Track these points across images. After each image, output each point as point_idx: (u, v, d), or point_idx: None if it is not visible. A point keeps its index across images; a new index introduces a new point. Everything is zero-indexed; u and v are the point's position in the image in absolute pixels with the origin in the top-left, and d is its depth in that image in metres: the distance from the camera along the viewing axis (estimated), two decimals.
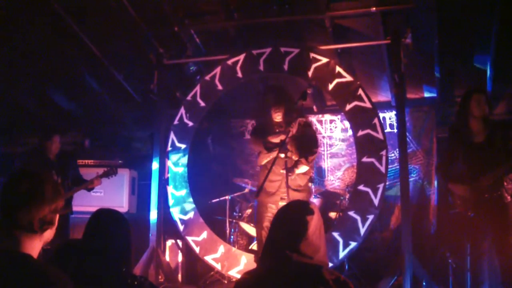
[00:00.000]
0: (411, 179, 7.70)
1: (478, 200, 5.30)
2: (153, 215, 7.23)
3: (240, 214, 7.84)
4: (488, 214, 5.28)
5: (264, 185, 5.85)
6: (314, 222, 2.61)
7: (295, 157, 6.10)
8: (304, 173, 6.18)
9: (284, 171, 5.79)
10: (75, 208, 6.51)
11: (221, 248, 6.94)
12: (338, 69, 6.71)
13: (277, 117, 6.23)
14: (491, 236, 5.35)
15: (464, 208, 5.45)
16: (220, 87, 7.24)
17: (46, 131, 6.63)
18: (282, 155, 5.73)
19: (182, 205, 7.24)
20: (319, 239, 2.61)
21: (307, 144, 6.23)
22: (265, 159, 6.20)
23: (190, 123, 7.37)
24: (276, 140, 6.06)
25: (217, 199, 7.85)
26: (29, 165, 6.35)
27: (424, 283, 5.91)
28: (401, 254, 5.98)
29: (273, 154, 5.94)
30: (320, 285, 2.38)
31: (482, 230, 5.38)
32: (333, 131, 8.90)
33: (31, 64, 7.67)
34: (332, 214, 7.92)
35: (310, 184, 8.26)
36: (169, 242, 7.75)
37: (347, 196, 7.67)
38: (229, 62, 7.23)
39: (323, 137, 8.91)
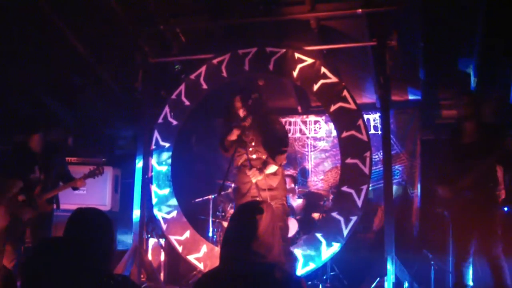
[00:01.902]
0: (394, 181, 7.74)
1: (460, 201, 5.34)
2: (136, 214, 7.20)
3: (223, 214, 7.83)
4: (472, 215, 5.31)
5: (238, 186, 5.93)
6: (265, 221, 2.64)
7: (264, 157, 5.88)
8: (275, 173, 5.91)
9: (250, 173, 5.75)
10: None
11: (204, 248, 6.91)
12: (323, 70, 6.70)
13: (239, 110, 5.98)
14: (477, 236, 5.38)
15: (442, 208, 5.51)
16: (205, 86, 7.21)
17: (29, 128, 6.57)
18: (254, 156, 5.75)
19: (165, 204, 7.20)
20: (272, 238, 2.64)
21: (275, 143, 5.91)
22: (241, 159, 6.00)
23: (175, 122, 7.34)
24: (232, 137, 5.90)
25: (201, 199, 7.83)
26: (13, 161, 6.29)
27: (406, 285, 5.93)
28: (384, 256, 5.99)
29: (245, 155, 5.85)
30: (271, 284, 2.40)
31: (467, 232, 5.43)
32: (318, 132, 8.93)
33: (16, 62, 7.60)
34: (316, 215, 7.95)
35: (293, 185, 8.29)
36: (152, 241, 7.72)
37: (331, 197, 7.69)
38: (215, 61, 7.21)
39: (307, 137, 8.93)
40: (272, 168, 5.86)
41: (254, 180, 5.77)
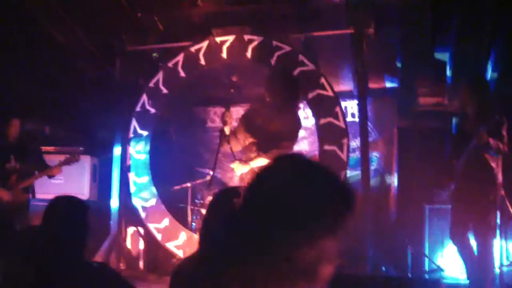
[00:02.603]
0: (371, 168, 7.80)
1: (456, 189, 5.36)
2: (114, 203, 7.19)
3: (202, 201, 7.82)
4: (466, 205, 5.26)
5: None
6: None
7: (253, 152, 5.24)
8: None
9: (234, 165, 5.31)
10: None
11: (183, 235, 6.93)
12: (301, 57, 6.74)
13: None
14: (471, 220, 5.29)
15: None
16: (183, 74, 7.20)
17: (3, 115, 6.50)
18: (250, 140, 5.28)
19: (143, 192, 7.20)
20: None
21: (275, 133, 5.23)
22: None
23: (153, 110, 7.33)
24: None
25: (179, 187, 7.82)
26: None
27: (383, 268, 6.01)
28: (362, 241, 6.06)
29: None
30: None
31: (462, 218, 5.33)
32: None
33: None
34: None
35: None
36: (131, 230, 7.70)
37: None
38: (192, 49, 7.20)
39: None
40: (260, 162, 5.10)
41: (238, 174, 5.28)
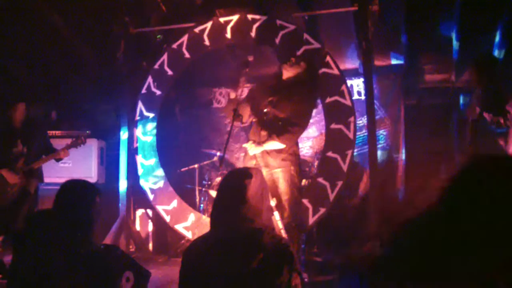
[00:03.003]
0: (379, 146, 7.78)
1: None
2: (123, 185, 7.21)
3: (209, 182, 7.84)
4: None
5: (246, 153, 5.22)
6: (254, 186, 2.69)
7: (263, 132, 5.05)
8: (278, 151, 5.01)
9: (247, 145, 5.10)
10: None
11: (192, 217, 6.96)
12: (305, 36, 6.70)
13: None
14: None
15: None
16: (187, 55, 7.19)
17: (9, 99, 6.50)
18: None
19: (151, 175, 7.22)
20: (261, 203, 2.70)
21: (288, 117, 5.05)
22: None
23: (158, 92, 7.33)
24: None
25: (186, 168, 7.84)
26: None
27: None
28: (370, 220, 6.08)
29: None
30: (258, 248, 2.44)
31: None
32: None
33: None
34: (302, 181, 7.97)
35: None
36: (139, 212, 7.74)
37: (316, 163, 7.73)
38: (196, 30, 7.18)
39: None
40: (273, 145, 4.99)
41: (251, 154, 5.06)
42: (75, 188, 3.15)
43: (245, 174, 2.77)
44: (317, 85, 5.49)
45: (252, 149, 5.04)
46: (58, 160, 6.54)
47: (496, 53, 7.17)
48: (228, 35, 7.03)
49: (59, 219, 2.99)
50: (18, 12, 7.32)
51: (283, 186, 5.01)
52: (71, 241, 2.89)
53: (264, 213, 2.72)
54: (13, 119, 6.35)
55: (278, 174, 5.04)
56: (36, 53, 8.14)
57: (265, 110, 5.10)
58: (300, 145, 8.37)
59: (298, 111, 5.08)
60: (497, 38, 7.18)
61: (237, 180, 2.75)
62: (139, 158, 7.27)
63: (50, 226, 2.95)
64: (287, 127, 4.97)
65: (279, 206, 4.88)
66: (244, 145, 5.23)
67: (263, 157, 5.04)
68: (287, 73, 5.16)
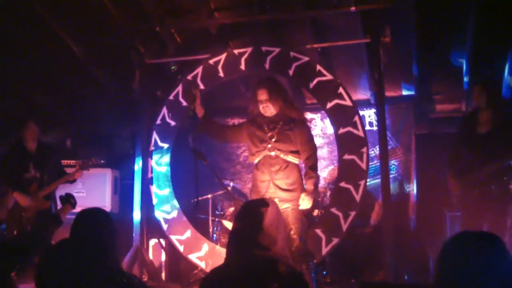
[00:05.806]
0: (391, 176, 7.80)
1: (473, 193, 5.27)
2: (136, 215, 7.26)
3: (222, 212, 7.87)
4: (484, 207, 5.19)
5: (255, 184, 5.46)
6: (270, 214, 2.75)
7: (283, 156, 5.37)
8: (288, 184, 5.35)
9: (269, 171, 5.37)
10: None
11: (205, 247, 6.98)
12: (318, 67, 6.78)
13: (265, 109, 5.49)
14: (486, 229, 5.20)
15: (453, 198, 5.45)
16: (202, 86, 7.27)
17: (19, 121, 6.55)
18: (273, 153, 5.37)
19: (165, 204, 7.27)
20: (276, 231, 2.75)
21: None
22: (257, 157, 5.54)
23: (173, 123, 7.41)
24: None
25: (200, 198, 7.85)
26: (8, 161, 6.31)
27: (406, 277, 6.02)
28: (383, 249, 6.08)
29: (263, 152, 5.45)
30: (274, 277, 2.48)
31: (476, 224, 5.19)
32: (313, 129, 8.97)
33: (9, 64, 7.60)
34: (314, 212, 7.99)
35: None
36: (152, 241, 7.76)
37: (328, 193, 7.75)
38: (211, 61, 7.27)
39: None
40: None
41: (306, 207, 5.30)
42: (91, 216, 3.21)
43: (262, 203, 2.84)
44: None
45: (306, 202, 5.26)
46: (71, 182, 6.55)
47: (508, 81, 7.20)
48: (243, 66, 7.12)
49: (80, 248, 3.04)
50: (41, 41, 7.46)
51: (292, 218, 5.18)
52: (94, 269, 2.93)
53: (279, 242, 2.76)
54: (25, 138, 6.38)
55: (288, 207, 5.26)
56: (54, 81, 8.26)
57: (269, 146, 5.42)
58: None
59: (302, 140, 5.46)
60: (507, 67, 7.22)
61: (255, 208, 2.80)
62: (154, 188, 7.32)
63: (72, 255, 3.00)
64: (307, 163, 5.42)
65: (289, 238, 4.99)
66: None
67: (274, 190, 5.30)
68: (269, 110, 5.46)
